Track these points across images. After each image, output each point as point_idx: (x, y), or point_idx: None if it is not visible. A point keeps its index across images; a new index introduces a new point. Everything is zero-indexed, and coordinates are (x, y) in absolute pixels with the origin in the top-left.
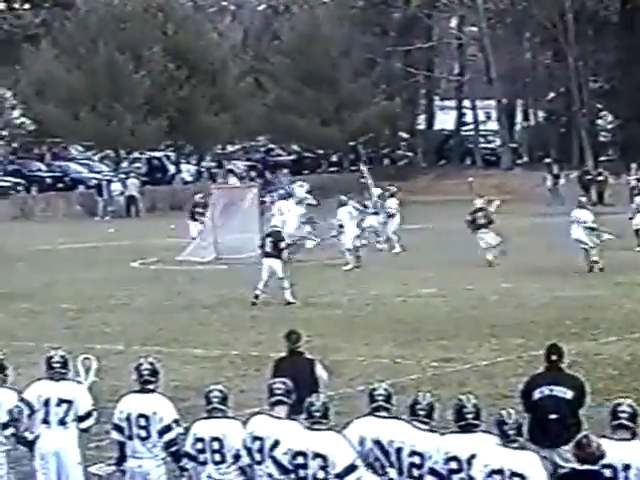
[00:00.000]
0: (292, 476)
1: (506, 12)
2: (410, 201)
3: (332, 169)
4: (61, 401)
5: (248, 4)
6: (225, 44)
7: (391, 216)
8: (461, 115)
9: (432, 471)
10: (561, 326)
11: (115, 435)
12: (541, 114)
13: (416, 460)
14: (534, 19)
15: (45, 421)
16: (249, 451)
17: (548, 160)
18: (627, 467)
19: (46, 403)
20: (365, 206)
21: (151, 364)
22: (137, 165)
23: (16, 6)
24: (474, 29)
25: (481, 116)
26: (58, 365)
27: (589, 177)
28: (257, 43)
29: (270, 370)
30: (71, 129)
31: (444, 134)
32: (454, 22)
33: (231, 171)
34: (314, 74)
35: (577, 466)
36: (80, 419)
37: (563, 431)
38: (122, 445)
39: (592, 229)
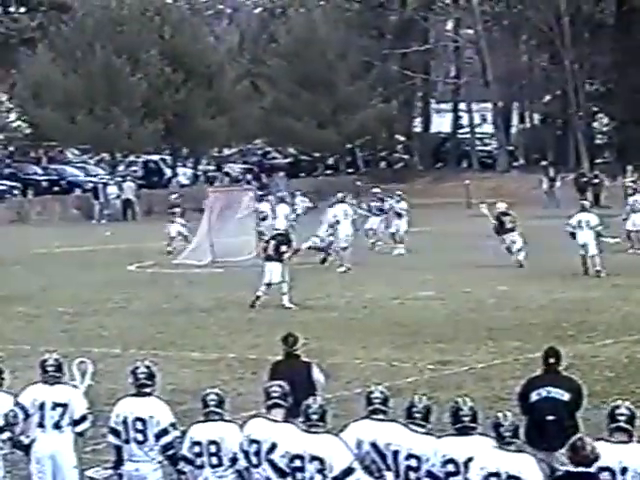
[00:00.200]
0: (289, 479)
1: (502, 15)
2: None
3: (328, 172)
4: (56, 405)
5: (244, 7)
6: (222, 47)
7: (400, 217)
8: (457, 118)
9: (429, 474)
10: (558, 328)
11: (112, 439)
12: (537, 117)
13: (413, 463)
14: (530, 22)
15: (40, 425)
16: (246, 454)
17: (544, 163)
18: (625, 470)
19: (41, 407)
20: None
21: (148, 367)
22: (133, 168)
23: (12, 9)
24: (470, 32)
25: (477, 119)
26: (52, 369)
27: (585, 180)
28: (254, 46)
29: (267, 373)
30: (67, 132)
31: (440, 137)
32: (450, 25)
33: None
34: (311, 77)
35: (572, 469)
36: (75, 423)
37: (560, 433)
38: (119, 449)
39: (599, 234)
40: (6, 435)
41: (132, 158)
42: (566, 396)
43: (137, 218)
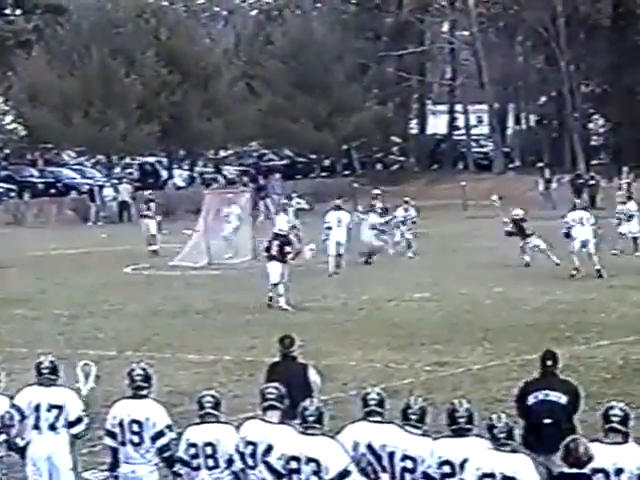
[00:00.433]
0: None
1: (498, 16)
2: None
3: (325, 174)
4: (51, 406)
5: (240, 9)
6: (218, 49)
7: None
8: (453, 119)
9: (425, 475)
10: (554, 330)
11: (108, 441)
12: (533, 118)
13: (408, 464)
14: (526, 23)
15: (36, 427)
16: (242, 456)
17: (540, 164)
18: (620, 471)
19: (36, 409)
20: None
21: (144, 370)
22: (129, 170)
23: (8, 12)
24: (466, 33)
25: (473, 120)
26: (47, 371)
27: (581, 181)
28: (250, 48)
29: (264, 375)
30: (63, 135)
31: (436, 138)
32: (446, 27)
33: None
34: (307, 79)
35: (566, 470)
36: (71, 424)
37: (558, 436)
38: (115, 451)
39: (595, 232)
40: (2, 437)
41: (128, 160)
42: (563, 399)
43: (133, 220)
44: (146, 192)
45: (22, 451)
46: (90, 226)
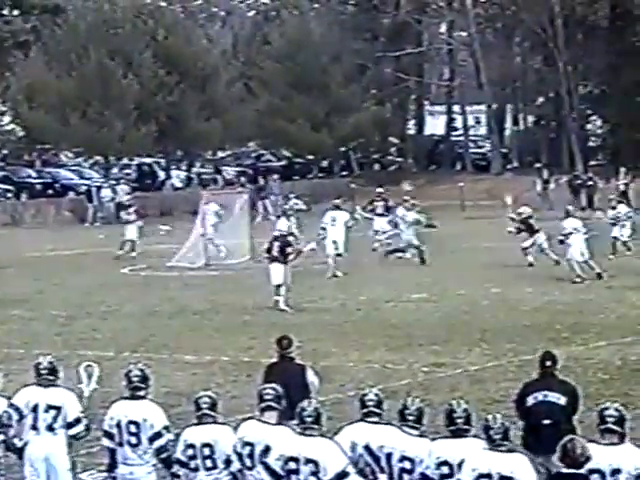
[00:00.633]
0: None
1: (496, 17)
2: None
3: (322, 174)
4: (49, 407)
5: (238, 10)
6: (215, 50)
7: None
8: (451, 120)
9: (423, 476)
10: (552, 330)
11: (106, 442)
12: (531, 119)
13: (407, 465)
14: (524, 24)
15: (34, 427)
16: (239, 456)
17: (538, 165)
18: (617, 471)
19: (34, 409)
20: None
21: (141, 370)
22: (127, 171)
23: (5, 12)
24: (464, 34)
25: (471, 121)
26: (46, 371)
27: (579, 182)
28: (247, 49)
29: (261, 376)
30: (61, 135)
31: (434, 139)
32: (444, 27)
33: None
34: (304, 80)
35: (563, 470)
36: (69, 425)
37: (557, 437)
38: (113, 452)
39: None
40: (0, 437)
41: (126, 161)
42: (562, 400)
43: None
44: (125, 197)
45: (20, 452)
46: (87, 227)
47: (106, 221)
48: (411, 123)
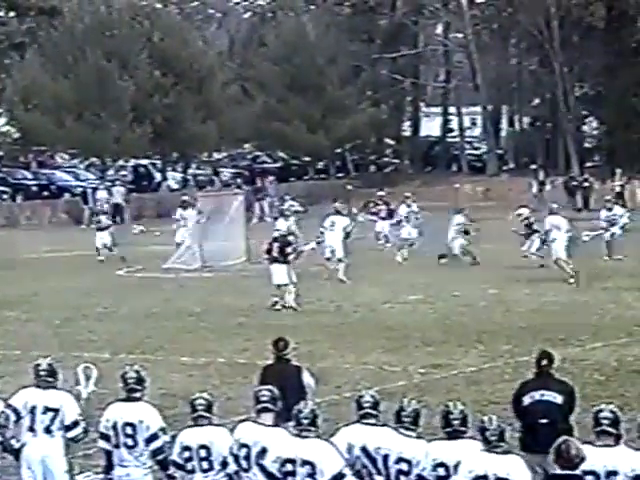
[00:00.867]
0: None
1: (492, 18)
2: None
3: (318, 176)
4: (47, 409)
5: (234, 12)
6: (211, 51)
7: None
8: (447, 121)
9: (420, 478)
10: (548, 332)
11: (102, 444)
12: (527, 120)
13: (403, 467)
14: (520, 25)
15: (31, 429)
16: (236, 458)
17: (534, 166)
18: (613, 473)
19: (32, 410)
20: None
21: (137, 372)
22: (123, 173)
23: (1, 14)
24: (460, 36)
25: (467, 122)
26: (45, 373)
27: (575, 183)
28: (243, 50)
29: (257, 377)
30: (57, 137)
31: (430, 141)
32: (440, 29)
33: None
34: (300, 81)
35: (557, 471)
36: (67, 428)
37: (554, 437)
38: (109, 454)
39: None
40: None
41: (122, 163)
42: (559, 399)
43: (127, 223)
44: (100, 203)
45: (17, 453)
46: (83, 228)
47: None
48: (407, 124)
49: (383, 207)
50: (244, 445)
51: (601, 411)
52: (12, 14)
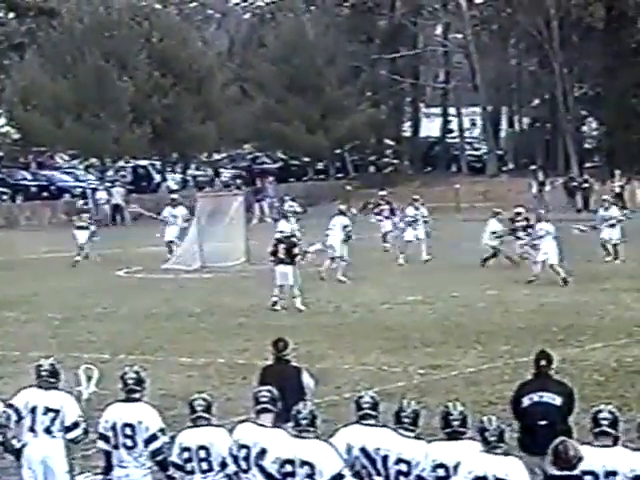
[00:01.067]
0: None
1: (491, 19)
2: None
3: (318, 176)
4: (48, 410)
5: (234, 12)
6: (211, 52)
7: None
8: (446, 122)
9: (419, 479)
10: (547, 332)
11: (101, 444)
12: (526, 121)
13: (403, 468)
14: (519, 26)
15: (31, 429)
16: (235, 459)
17: (533, 167)
18: (611, 474)
19: (33, 410)
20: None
21: (136, 373)
22: (122, 174)
23: (0, 15)
24: (459, 36)
25: (466, 123)
26: (46, 374)
27: (574, 184)
28: (243, 51)
29: (257, 378)
30: (56, 138)
31: (430, 141)
32: (439, 29)
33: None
34: (300, 82)
35: (556, 472)
36: (67, 429)
37: (553, 438)
38: (108, 454)
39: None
40: None
41: (121, 163)
42: (558, 400)
43: (126, 223)
44: (79, 202)
45: (18, 453)
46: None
47: (101, 223)
48: (406, 125)
49: (386, 206)
50: (243, 446)
51: (600, 412)
52: (11, 15)
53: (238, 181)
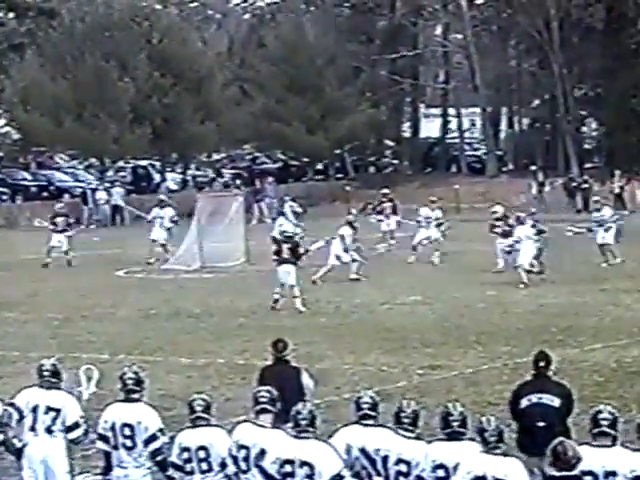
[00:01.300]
0: None
1: (491, 20)
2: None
3: (318, 177)
4: (49, 409)
5: (234, 13)
6: (211, 52)
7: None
8: (446, 123)
9: (419, 479)
10: (547, 333)
11: (100, 445)
12: (526, 121)
13: (402, 468)
14: (519, 26)
15: (32, 428)
16: (235, 460)
17: (533, 167)
18: (611, 474)
19: (34, 410)
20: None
21: (135, 373)
22: (122, 174)
23: (0, 15)
24: (459, 37)
25: (466, 124)
26: (48, 374)
27: (574, 184)
28: (243, 51)
29: (256, 378)
30: (56, 138)
31: (429, 142)
32: (439, 30)
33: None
34: (299, 82)
35: (555, 473)
36: (68, 429)
37: (551, 439)
38: (108, 455)
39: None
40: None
41: (121, 163)
42: (556, 402)
43: (126, 223)
44: (57, 205)
45: (19, 452)
46: (82, 229)
47: (101, 224)
48: (406, 126)
49: (388, 204)
50: (243, 446)
51: (600, 412)
52: (11, 15)
53: (238, 181)
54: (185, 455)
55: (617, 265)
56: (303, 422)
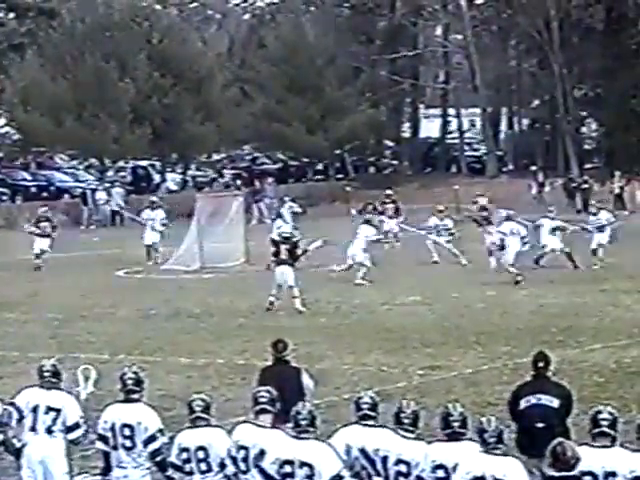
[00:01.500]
0: None
1: (491, 20)
2: None
3: (318, 177)
4: (49, 409)
5: (234, 13)
6: (211, 53)
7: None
8: (446, 123)
9: (419, 479)
10: (547, 333)
11: (100, 445)
12: (526, 122)
13: (402, 469)
14: (519, 27)
15: (32, 428)
16: (234, 460)
17: (533, 168)
18: (611, 474)
19: (34, 410)
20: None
21: (135, 373)
22: (122, 174)
23: (0, 15)
24: (459, 37)
25: (466, 124)
26: (48, 374)
27: (574, 185)
28: (243, 52)
29: (256, 379)
30: (56, 138)
31: (429, 142)
32: (439, 30)
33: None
34: (299, 82)
35: (554, 473)
36: (68, 429)
37: (550, 440)
38: (107, 455)
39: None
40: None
41: (121, 164)
42: (555, 403)
43: (125, 224)
44: (41, 209)
45: (18, 452)
46: (82, 229)
47: (101, 224)
48: (406, 126)
49: (390, 205)
50: (242, 447)
51: (600, 412)
52: (11, 15)
53: (238, 182)
54: (184, 455)
55: (617, 265)
56: (303, 422)
